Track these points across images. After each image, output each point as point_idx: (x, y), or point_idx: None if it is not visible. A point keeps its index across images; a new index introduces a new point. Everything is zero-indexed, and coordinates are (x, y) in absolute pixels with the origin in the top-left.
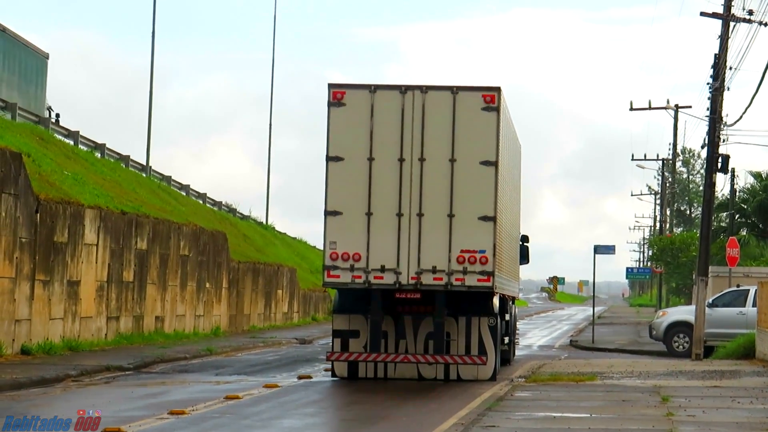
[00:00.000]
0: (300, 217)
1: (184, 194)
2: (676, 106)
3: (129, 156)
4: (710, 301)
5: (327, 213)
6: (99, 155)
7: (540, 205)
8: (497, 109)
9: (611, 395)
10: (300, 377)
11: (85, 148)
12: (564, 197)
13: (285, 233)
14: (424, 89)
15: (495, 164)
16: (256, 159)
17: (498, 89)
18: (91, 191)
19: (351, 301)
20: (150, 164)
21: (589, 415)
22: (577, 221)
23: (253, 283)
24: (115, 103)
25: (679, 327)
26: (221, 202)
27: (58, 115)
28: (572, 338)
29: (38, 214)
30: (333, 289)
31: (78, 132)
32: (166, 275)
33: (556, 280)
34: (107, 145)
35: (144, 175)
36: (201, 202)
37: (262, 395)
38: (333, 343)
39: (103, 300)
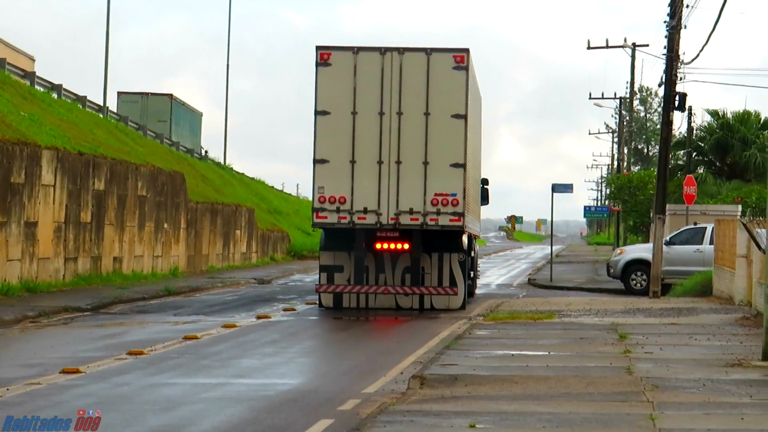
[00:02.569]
0: (258, 158)
1: (142, 134)
2: (633, 44)
3: (86, 97)
4: (667, 239)
5: (315, 161)
6: (56, 96)
7: (497, 144)
8: (466, 69)
9: (569, 333)
10: (259, 317)
11: (42, 89)
12: (521, 136)
13: (243, 174)
14: (401, 51)
15: (464, 117)
16: (213, 99)
17: (467, 50)
18: (48, 132)
19: (336, 240)
20: (107, 105)
21: (547, 353)
22: (535, 160)
23: (211, 224)
24: (72, 44)
25: (637, 265)
26: (179, 142)
27: (206, 152)
28: (530, 277)
29: None
30: (319, 229)
31: (34, 73)
32: (124, 216)
33: (514, 219)
34: (64, 86)
35: (101, 116)
36: (159, 142)
37: (221, 335)
38: (320, 276)
39: (60, 241)
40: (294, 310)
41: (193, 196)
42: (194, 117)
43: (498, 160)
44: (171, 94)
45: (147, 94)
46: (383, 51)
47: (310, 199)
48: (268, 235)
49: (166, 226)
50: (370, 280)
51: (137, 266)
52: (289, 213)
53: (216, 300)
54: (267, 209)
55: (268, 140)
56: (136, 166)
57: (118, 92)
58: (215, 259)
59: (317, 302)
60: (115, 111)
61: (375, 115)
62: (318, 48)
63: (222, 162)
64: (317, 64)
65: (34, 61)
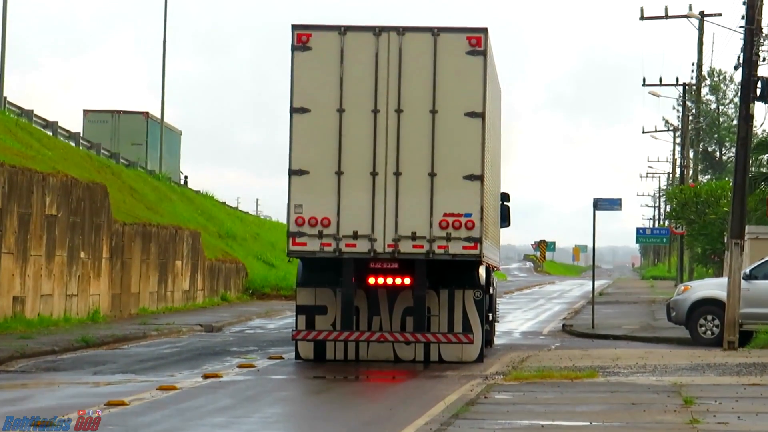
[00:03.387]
0: (205, 163)
1: (51, 134)
2: (702, 13)
3: None
4: (747, 271)
5: (291, 172)
6: None
7: (520, 145)
8: (484, 53)
9: (617, 397)
10: (206, 376)
11: None
12: (552, 134)
13: (185, 185)
14: (401, 30)
15: (482, 116)
16: (145, 84)
17: (485, 30)
18: None
19: (317, 273)
20: (4, 95)
21: (588, 423)
22: (571, 167)
23: (143, 252)
24: None
25: (707, 306)
26: (100, 144)
27: (186, 177)
28: (566, 322)
29: None
30: (297, 259)
31: None
32: (28, 242)
33: (544, 246)
34: None
35: None
36: (73, 144)
37: (156, 400)
38: (297, 320)
39: None
40: (252, 366)
41: (118, 215)
42: (173, 137)
43: (521, 168)
44: (147, 112)
45: (119, 112)
46: (378, 31)
47: (273, 218)
48: (219, 266)
49: (83, 255)
50: (361, 324)
51: (45, 309)
52: (246, 237)
53: (149, 353)
54: (217, 232)
55: (218, 139)
56: (44, 176)
57: (84, 110)
58: (148, 299)
59: (283, 356)
60: (81, 134)
61: (367, 113)
62: (294, 27)
63: (157, 170)
64: (293, 48)
65: None
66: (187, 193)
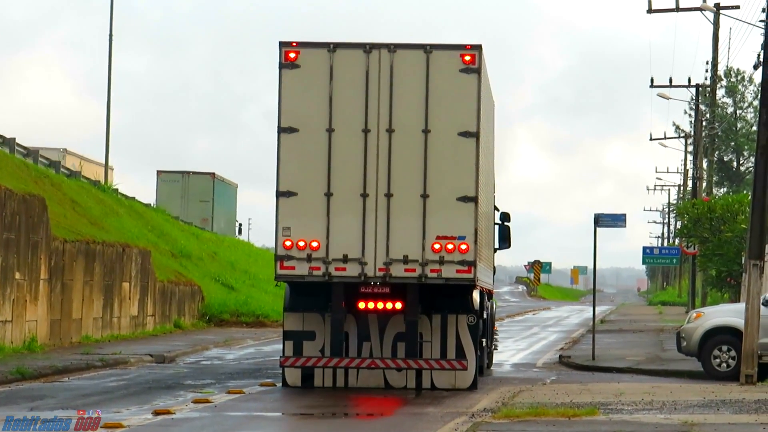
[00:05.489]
0: (154, 173)
1: None
2: (717, 5)
3: None
4: (767, 296)
5: (279, 194)
6: None
7: (511, 153)
8: (478, 71)
9: None
10: (156, 413)
11: None
12: (547, 141)
13: (134, 198)
14: (393, 48)
15: (476, 135)
16: (88, 85)
17: (479, 47)
18: None
19: (305, 297)
20: None
21: None
22: (568, 178)
23: (86, 273)
24: None
25: (722, 335)
26: (37, 151)
27: (241, 225)
28: (563, 353)
29: None
30: (284, 283)
31: None
32: None
33: (538, 267)
34: None
35: None
36: (7, 151)
37: None
38: (284, 346)
39: None
40: (209, 402)
41: (59, 231)
42: (231, 191)
43: (512, 178)
44: (213, 173)
45: (188, 173)
46: (368, 48)
47: (236, 236)
48: (172, 289)
49: (18, 276)
50: (350, 350)
51: None
52: (203, 257)
53: (93, 387)
54: (170, 251)
55: (169, 145)
56: None
57: (158, 171)
58: (92, 325)
59: (244, 390)
60: (155, 194)
61: (358, 133)
62: (282, 44)
63: (102, 180)
64: (281, 66)
65: None
66: (136, 206)
